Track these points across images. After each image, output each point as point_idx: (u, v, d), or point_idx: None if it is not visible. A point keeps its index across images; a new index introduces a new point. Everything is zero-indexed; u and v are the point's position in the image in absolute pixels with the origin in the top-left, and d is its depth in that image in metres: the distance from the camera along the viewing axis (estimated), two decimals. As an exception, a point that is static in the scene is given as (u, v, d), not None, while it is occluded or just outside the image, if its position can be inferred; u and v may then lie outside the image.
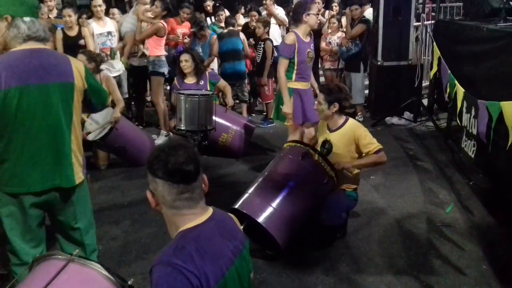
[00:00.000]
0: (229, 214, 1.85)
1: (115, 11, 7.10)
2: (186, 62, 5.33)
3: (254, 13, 7.53)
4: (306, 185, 3.43)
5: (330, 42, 7.09)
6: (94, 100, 2.55)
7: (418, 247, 3.51)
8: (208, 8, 8.39)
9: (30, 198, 2.33)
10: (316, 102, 3.68)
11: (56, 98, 2.31)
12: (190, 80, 5.42)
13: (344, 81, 7.21)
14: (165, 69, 6.29)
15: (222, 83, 5.68)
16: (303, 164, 3.45)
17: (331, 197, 3.46)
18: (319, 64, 7.73)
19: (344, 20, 7.40)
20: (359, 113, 6.92)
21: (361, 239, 3.64)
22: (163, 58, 6.29)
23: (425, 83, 7.41)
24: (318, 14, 4.45)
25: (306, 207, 3.36)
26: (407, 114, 6.77)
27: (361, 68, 6.87)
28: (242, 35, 6.85)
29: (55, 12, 7.05)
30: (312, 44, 4.54)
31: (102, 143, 4.90)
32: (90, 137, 4.79)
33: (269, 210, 3.25)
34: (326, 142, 3.62)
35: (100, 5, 6.13)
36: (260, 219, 3.21)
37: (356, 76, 6.88)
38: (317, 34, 7.99)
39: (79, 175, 2.46)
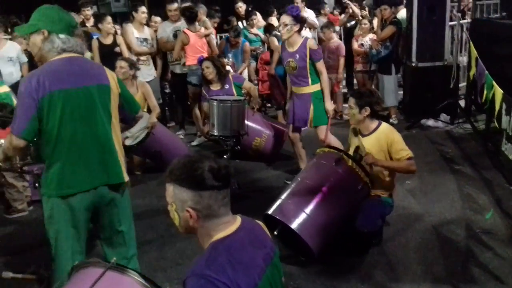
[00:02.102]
0: (258, 221, 1.85)
1: (157, 19, 7.22)
2: (207, 69, 5.42)
3: None
4: (340, 191, 3.39)
5: (362, 44, 7.00)
6: (126, 107, 2.64)
7: (457, 254, 3.42)
8: (240, 10, 8.40)
9: (79, 198, 2.39)
10: (347, 106, 3.65)
11: (96, 99, 2.41)
12: (215, 86, 5.49)
13: (376, 83, 7.11)
14: (191, 78, 6.33)
15: (247, 84, 5.73)
16: (337, 170, 3.42)
17: (366, 203, 3.42)
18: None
19: (375, 21, 7.31)
20: (393, 116, 6.80)
21: (397, 246, 3.57)
22: (192, 67, 6.29)
23: (462, 84, 7.21)
24: (283, 26, 4.48)
25: (340, 213, 3.33)
26: (443, 116, 6.61)
27: (393, 70, 6.74)
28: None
29: (91, 21, 7.25)
30: (298, 55, 4.51)
31: (139, 148, 5.00)
32: (127, 142, 4.90)
33: (302, 216, 3.23)
34: (358, 147, 3.58)
35: (143, 12, 6.32)
36: (294, 225, 3.20)
37: (388, 78, 6.77)
38: (348, 35, 7.97)
39: (125, 174, 2.55)
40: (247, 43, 6.87)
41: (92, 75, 2.44)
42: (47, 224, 2.46)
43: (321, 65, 4.53)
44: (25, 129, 2.28)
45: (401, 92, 7.40)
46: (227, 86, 5.47)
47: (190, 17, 6.22)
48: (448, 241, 3.59)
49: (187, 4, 6.88)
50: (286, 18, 4.44)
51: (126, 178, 2.57)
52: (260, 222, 1.84)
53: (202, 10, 6.91)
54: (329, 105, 4.60)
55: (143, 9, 6.41)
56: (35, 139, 2.40)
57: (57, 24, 2.40)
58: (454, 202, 4.25)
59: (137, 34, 6.33)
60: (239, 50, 6.94)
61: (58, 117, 2.32)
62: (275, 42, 6.67)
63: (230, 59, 7.12)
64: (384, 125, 3.55)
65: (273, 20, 8.51)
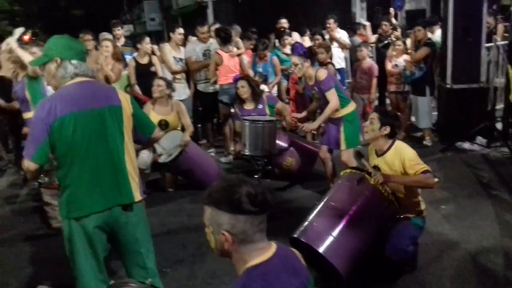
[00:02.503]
0: (293, 249, 1.84)
1: (193, 39, 7.39)
2: (242, 88, 5.48)
3: (318, 37, 7.58)
4: (366, 211, 3.34)
5: (396, 65, 6.94)
6: (139, 128, 2.65)
7: (495, 284, 3.29)
8: (282, 24, 8.46)
9: (93, 219, 2.43)
10: (369, 119, 3.61)
11: (107, 121, 2.45)
12: (249, 105, 5.53)
13: (409, 104, 7.02)
14: (223, 97, 6.41)
15: (281, 105, 5.76)
16: (361, 190, 3.38)
17: (395, 227, 3.35)
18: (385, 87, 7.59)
19: (408, 42, 7.25)
20: (427, 138, 6.68)
21: (432, 274, 3.47)
22: (224, 87, 6.37)
23: (499, 106, 7.03)
24: (294, 66, 4.83)
25: (367, 235, 3.27)
26: (479, 139, 6.44)
27: (427, 92, 6.64)
28: None
29: (122, 40, 7.47)
30: (316, 88, 4.74)
31: (171, 166, 5.08)
32: (161, 159, 4.99)
33: (329, 239, 3.19)
34: (375, 167, 3.54)
35: (180, 33, 6.49)
36: (321, 249, 3.16)
37: (422, 99, 6.66)
38: (381, 55, 7.92)
39: (137, 194, 2.56)
40: (275, 57, 6.93)
41: (103, 97, 2.48)
42: (66, 245, 2.51)
43: (330, 94, 4.62)
44: (35, 154, 2.34)
45: (435, 114, 7.27)
46: (260, 106, 5.51)
47: (225, 38, 6.33)
48: (486, 270, 3.47)
49: (217, 25, 7.03)
50: (295, 59, 4.77)
51: (139, 197, 2.57)
52: (295, 250, 1.84)
53: (234, 31, 7.04)
54: (315, 125, 4.88)
55: (180, 30, 6.58)
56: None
57: (68, 51, 2.48)
58: (491, 229, 4.10)
59: (174, 53, 6.51)
60: (268, 64, 7.00)
61: (70, 140, 2.36)
62: (333, 71, 6.67)
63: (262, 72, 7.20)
64: (397, 143, 3.51)
65: (306, 40, 8.57)
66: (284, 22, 8.50)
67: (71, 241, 2.47)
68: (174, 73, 6.40)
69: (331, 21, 7.98)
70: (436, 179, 3.37)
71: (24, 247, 4.30)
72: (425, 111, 6.68)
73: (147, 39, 6.33)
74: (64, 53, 2.47)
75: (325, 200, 3.55)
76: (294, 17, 12.22)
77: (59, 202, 2.51)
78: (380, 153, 3.51)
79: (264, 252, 1.64)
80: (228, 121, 6.46)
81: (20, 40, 4.78)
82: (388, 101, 7.88)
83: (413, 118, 7.18)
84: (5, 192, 6.01)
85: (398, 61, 6.93)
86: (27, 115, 4.99)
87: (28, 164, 2.35)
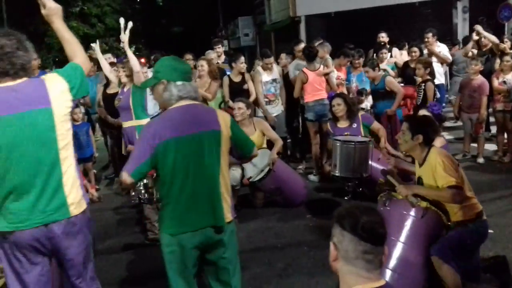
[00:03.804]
0: None
1: (283, 56, 7.47)
2: (338, 106, 5.33)
3: (415, 49, 7.24)
4: (405, 231, 3.19)
5: (504, 82, 6.40)
6: (239, 149, 2.74)
7: None
8: (382, 39, 8.27)
9: (188, 236, 2.55)
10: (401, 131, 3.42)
11: (206, 145, 2.55)
12: (342, 123, 5.38)
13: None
14: (308, 114, 6.37)
15: (376, 125, 5.50)
16: (425, 220, 3.17)
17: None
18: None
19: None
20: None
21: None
22: (310, 104, 6.35)
23: None
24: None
25: (423, 257, 3.12)
26: None
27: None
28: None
29: (222, 57, 7.74)
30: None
31: (260, 185, 5.11)
32: (250, 178, 5.04)
33: (388, 273, 3.05)
34: (419, 179, 3.33)
35: (270, 62, 6.64)
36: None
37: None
38: (488, 74, 7.34)
39: (228, 215, 2.64)
40: (389, 78, 6.56)
41: (204, 122, 2.59)
42: (164, 258, 2.63)
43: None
44: (135, 170, 2.48)
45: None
46: (355, 125, 5.33)
47: (309, 55, 6.30)
48: None
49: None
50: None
51: (230, 218, 2.65)
52: None
53: (326, 49, 6.96)
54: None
55: (270, 60, 6.63)
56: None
57: (173, 73, 2.62)
58: None
59: (266, 77, 6.61)
60: (363, 74, 6.80)
61: (172, 162, 2.50)
62: (394, 82, 6.40)
63: (354, 84, 7.02)
64: (433, 149, 3.25)
65: (404, 55, 8.24)
66: (383, 36, 8.27)
67: (166, 254, 2.60)
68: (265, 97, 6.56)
69: (430, 35, 7.62)
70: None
71: (122, 256, 4.57)
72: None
73: (242, 59, 6.49)
74: (170, 75, 2.61)
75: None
76: (391, 30, 11.87)
77: (159, 216, 2.68)
78: (420, 163, 3.31)
79: (370, 281, 1.66)
80: (316, 138, 6.39)
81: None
82: (492, 119, 7.30)
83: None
84: (112, 201, 6.42)
85: (507, 77, 6.39)
86: (127, 123, 5.38)
87: (126, 177, 2.50)
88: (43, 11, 2.56)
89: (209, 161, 2.56)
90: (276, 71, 6.74)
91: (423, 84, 6.27)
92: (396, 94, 6.19)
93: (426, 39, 7.59)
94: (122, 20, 5.31)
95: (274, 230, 4.87)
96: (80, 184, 2.57)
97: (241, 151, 2.77)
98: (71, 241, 2.51)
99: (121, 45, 5.47)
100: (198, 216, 2.55)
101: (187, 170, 2.52)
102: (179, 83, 2.60)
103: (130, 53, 5.24)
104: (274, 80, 6.63)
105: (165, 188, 2.57)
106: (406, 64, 7.36)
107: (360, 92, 6.90)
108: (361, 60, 6.98)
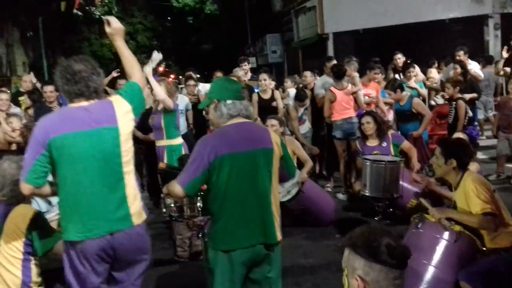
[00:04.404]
0: None
1: (308, 73, 7.51)
2: (368, 124, 5.29)
3: (457, 66, 7.13)
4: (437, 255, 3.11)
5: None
6: (286, 169, 2.78)
7: None
8: (398, 61, 8.19)
9: (239, 254, 2.57)
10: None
11: (260, 163, 2.60)
12: (372, 142, 5.34)
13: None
14: (336, 133, 6.38)
15: (406, 144, 5.43)
16: (458, 245, 3.07)
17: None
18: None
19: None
20: None
21: None
22: (338, 122, 6.36)
23: None
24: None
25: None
26: None
27: None
28: None
29: (249, 75, 7.84)
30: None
31: (288, 205, 5.10)
32: (281, 197, 5.02)
33: None
34: (454, 203, 3.26)
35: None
36: None
37: None
38: None
39: (279, 234, 2.67)
40: (416, 99, 6.44)
41: (257, 140, 2.65)
42: (208, 273, 2.67)
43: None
44: (189, 184, 2.55)
45: None
46: (384, 144, 5.27)
47: (338, 74, 6.30)
48: None
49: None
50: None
51: (280, 237, 2.68)
52: None
53: (353, 67, 6.94)
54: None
55: (288, 83, 6.71)
56: (201, 193, 2.72)
57: (224, 92, 2.70)
58: None
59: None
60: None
61: (226, 178, 2.54)
62: (422, 104, 6.27)
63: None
64: (466, 174, 3.17)
65: (433, 73, 8.15)
66: (399, 58, 8.13)
67: (215, 271, 2.62)
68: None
69: (461, 53, 7.54)
70: None
71: (151, 272, 4.57)
72: None
73: (261, 76, 6.63)
74: (220, 95, 2.70)
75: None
76: (420, 48, 11.76)
77: (209, 232, 2.71)
78: (455, 187, 3.25)
79: None
80: (344, 157, 6.35)
81: (155, 70, 5.29)
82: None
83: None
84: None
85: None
86: (160, 143, 5.47)
87: (178, 190, 2.58)
88: (107, 29, 2.74)
89: (261, 179, 2.60)
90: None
91: (454, 102, 6.18)
92: (423, 117, 6.09)
93: (457, 57, 7.49)
94: (155, 54, 5.19)
95: (303, 249, 4.84)
96: (140, 196, 2.72)
97: (287, 172, 2.81)
98: (132, 249, 2.63)
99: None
100: (249, 233, 2.57)
101: (240, 186, 2.56)
102: (229, 101, 2.66)
103: (153, 83, 5.10)
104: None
105: (217, 204, 2.60)
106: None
107: None
108: (380, 76, 6.88)
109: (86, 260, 2.54)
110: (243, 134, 2.63)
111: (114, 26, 2.73)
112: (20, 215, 2.71)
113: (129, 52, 2.80)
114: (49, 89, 6.29)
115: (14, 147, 5.20)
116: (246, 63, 7.89)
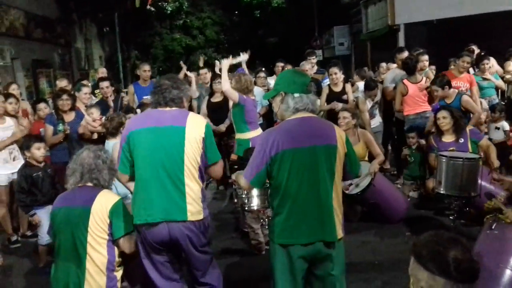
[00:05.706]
0: None
1: (384, 65, 7.32)
2: (444, 119, 5.05)
3: None
4: None
5: None
6: (348, 167, 2.72)
7: None
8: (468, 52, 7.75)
9: (297, 249, 2.56)
10: None
11: (321, 159, 2.56)
12: (448, 138, 5.09)
13: None
14: (407, 128, 6.15)
15: (485, 142, 5.12)
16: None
17: None
18: None
19: None
20: None
21: None
22: (410, 117, 6.12)
23: None
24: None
25: None
26: None
27: None
28: None
29: (315, 68, 7.78)
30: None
31: (359, 198, 5.01)
32: (350, 191, 4.96)
33: None
34: None
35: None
36: None
37: None
38: None
39: (339, 231, 2.63)
40: (465, 96, 6.06)
41: (321, 136, 2.61)
42: (273, 268, 2.67)
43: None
44: (253, 178, 2.62)
45: None
46: (462, 140, 5.02)
47: (409, 67, 6.05)
48: None
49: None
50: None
51: (341, 235, 2.64)
52: None
53: (424, 59, 6.64)
54: None
55: (356, 77, 6.53)
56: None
57: (292, 85, 2.69)
58: None
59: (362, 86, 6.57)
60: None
61: (287, 173, 2.55)
62: (471, 102, 5.77)
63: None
64: None
65: (510, 65, 7.63)
66: (473, 49, 7.63)
67: (274, 263, 2.65)
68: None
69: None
70: None
71: (219, 261, 4.68)
72: None
73: (334, 69, 6.46)
74: (288, 87, 2.70)
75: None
76: (498, 39, 11.03)
77: (270, 225, 2.75)
78: None
79: None
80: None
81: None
82: None
83: None
84: (208, 205, 6.65)
85: None
86: (235, 135, 5.60)
87: (244, 183, 2.70)
88: None
89: (322, 175, 2.56)
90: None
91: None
92: (472, 114, 5.71)
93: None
94: (242, 55, 5.62)
95: (371, 245, 4.75)
96: (201, 198, 2.94)
97: (351, 169, 2.75)
98: (187, 242, 2.88)
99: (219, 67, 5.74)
100: (308, 229, 2.56)
101: (300, 182, 2.55)
102: (296, 95, 2.66)
103: (224, 75, 5.19)
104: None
105: (277, 198, 2.61)
106: None
107: (493, 108, 6.31)
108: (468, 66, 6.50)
109: (147, 242, 2.90)
110: (307, 129, 2.60)
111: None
112: (107, 199, 2.90)
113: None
114: (105, 84, 6.52)
115: (95, 136, 5.49)
116: (314, 57, 7.83)
